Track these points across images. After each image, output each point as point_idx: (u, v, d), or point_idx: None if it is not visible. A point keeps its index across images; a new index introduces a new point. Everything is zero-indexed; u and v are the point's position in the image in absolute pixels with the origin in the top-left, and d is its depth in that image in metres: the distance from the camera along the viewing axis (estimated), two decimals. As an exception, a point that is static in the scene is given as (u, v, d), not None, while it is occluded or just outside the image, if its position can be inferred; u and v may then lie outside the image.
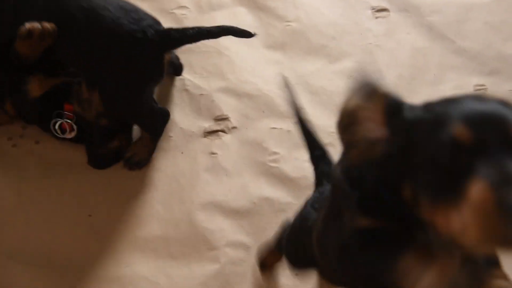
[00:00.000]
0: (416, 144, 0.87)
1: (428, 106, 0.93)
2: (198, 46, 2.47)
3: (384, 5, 2.65)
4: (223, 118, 2.28)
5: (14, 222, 1.98)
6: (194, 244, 1.99)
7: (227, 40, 2.51)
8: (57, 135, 2.04)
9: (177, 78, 2.38)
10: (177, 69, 2.38)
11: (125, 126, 2.15)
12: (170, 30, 1.98)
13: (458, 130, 0.83)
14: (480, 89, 2.39)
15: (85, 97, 1.96)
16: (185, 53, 2.44)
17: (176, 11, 2.59)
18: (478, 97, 0.90)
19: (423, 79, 2.43)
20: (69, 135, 2.05)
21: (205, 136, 2.24)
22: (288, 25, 2.59)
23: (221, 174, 2.14)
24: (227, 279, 1.92)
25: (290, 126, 2.26)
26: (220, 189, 2.11)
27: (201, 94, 2.34)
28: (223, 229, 2.01)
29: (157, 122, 2.12)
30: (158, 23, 2.00)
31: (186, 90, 2.35)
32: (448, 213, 0.79)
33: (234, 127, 2.27)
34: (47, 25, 1.81)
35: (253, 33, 2.06)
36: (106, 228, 2.00)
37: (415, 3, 2.63)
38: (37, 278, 1.90)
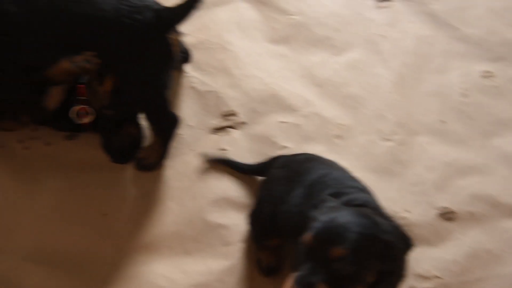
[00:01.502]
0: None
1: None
2: (202, 42, 2.49)
3: (386, -6, 2.66)
4: (231, 114, 2.29)
5: (28, 223, 1.99)
6: (209, 240, 2.00)
7: (231, 36, 2.53)
8: (76, 122, 2.06)
9: (184, 75, 2.38)
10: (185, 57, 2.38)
11: (131, 115, 2.15)
12: (161, 9, 1.93)
13: (307, 236, 1.38)
14: (486, 76, 2.40)
15: (95, 89, 2.02)
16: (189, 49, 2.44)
17: (178, 8, 2.59)
18: (350, 214, 1.40)
19: (428, 68, 2.43)
20: (87, 119, 2.06)
21: (214, 133, 2.25)
22: (291, 18, 2.59)
23: (231, 169, 2.15)
24: (243, 274, 1.93)
25: (299, 120, 2.27)
26: (232, 184, 2.12)
27: (208, 91, 2.35)
28: (237, 224, 2.02)
29: (166, 121, 2.11)
30: (157, 4, 1.95)
31: (193, 88, 2.35)
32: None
33: (242, 122, 2.28)
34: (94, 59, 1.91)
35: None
36: (120, 227, 2.02)
37: (417, -8, 2.64)
38: (52, 278, 1.91)
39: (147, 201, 2.07)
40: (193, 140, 2.22)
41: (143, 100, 2.04)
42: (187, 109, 2.30)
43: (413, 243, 1.54)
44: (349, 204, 1.49)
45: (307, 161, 1.83)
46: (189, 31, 2.50)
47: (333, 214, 1.40)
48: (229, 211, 2.06)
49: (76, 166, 2.12)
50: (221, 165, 2.14)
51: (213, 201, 2.08)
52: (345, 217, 1.38)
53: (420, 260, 1.96)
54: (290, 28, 2.57)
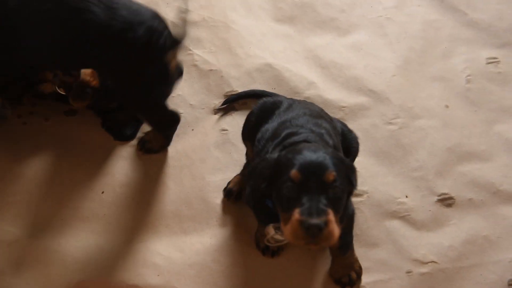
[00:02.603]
0: (275, 179, 1.48)
1: (285, 154, 1.51)
2: (206, 20, 2.46)
3: (394, -24, 2.61)
4: (233, 94, 2.27)
5: (29, 198, 1.99)
6: (207, 220, 2.00)
7: (235, 14, 2.50)
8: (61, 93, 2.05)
9: (185, 53, 2.35)
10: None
11: None
12: (154, 28, 1.79)
13: (293, 173, 1.44)
14: (492, 62, 2.37)
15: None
16: (192, 27, 2.42)
17: (183, -16, 2.55)
18: (312, 149, 1.49)
19: (434, 52, 2.40)
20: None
21: (215, 113, 2.23)
22: (297, -2, 2.56)
23: (232, 151, 2.14)
24: (241, 255, 1.93)
25: (300, 101, 2.25)
26: (231, 165, 2.11)
27: (210, 70, 2.33)
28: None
29: (166, 123, 2.06)
30: (154, 18, 1.81)
31: (195, 66, 2.34)
32: (285, 221, 1.45)
33: (244, 103, 2.26)
34: None
35: None
36: (118, 205, 2.02)
37: (425, -26, 2.59)
38: (47, 250, 1.92)
39: (146, 180, 2.07)
40: (193, 120, 2.21)
41: (138, 109, 2.02)
42: (189, 87, 2.29)
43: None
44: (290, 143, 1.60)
45: (296, 102, 1.90)
46: (193, 8, 2.49)
47: (297, 152, 1.49)
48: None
49: (74, 143, 2.11)
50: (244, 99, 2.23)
51: (212, 181, 2.07)
52: (312, 150, 1.48)
53: (417, 245, 1.96)
54: (296, 8, 2.53)
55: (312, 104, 1.96)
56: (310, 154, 1.46)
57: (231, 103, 2.24)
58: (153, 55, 1.80)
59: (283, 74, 2.33)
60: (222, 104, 2.23)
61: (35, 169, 2.04)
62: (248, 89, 2.27)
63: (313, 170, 1.43)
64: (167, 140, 2.12)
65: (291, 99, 1.96)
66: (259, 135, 1.78)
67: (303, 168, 1.43)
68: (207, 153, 2.13)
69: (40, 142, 2.09)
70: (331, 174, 1.43)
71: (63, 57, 1.79)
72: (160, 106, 1.97)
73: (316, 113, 1.82)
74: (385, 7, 2.53)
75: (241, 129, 2.15)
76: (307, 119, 1.74)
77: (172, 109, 2.02)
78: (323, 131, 1.70)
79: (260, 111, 1.88)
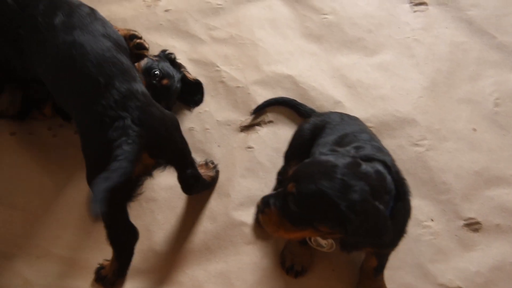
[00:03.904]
0: None
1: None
2: (233, 37, 2.48)
3: (422, -2, 2.62)
4: (260, 113, 2.27)
5: (54, 210, 2.01)
6: (231, 237, 2.00)
7: (262, 32, 2.51)
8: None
9: (213, 69, 2.37)
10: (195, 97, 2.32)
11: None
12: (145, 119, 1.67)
13: (291, 170, 1.59)
14: (521, 86, 2.36)
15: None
16: (220, 44, 2.44)
17: (212, 1, 2.58)
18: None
19: (461, 74, 2.39)
20: None
21: (241, 130, 2.24)
22: (324, 17, 2.57)
23: (257, 168, 2.14)
24: (264, 273, 1.93)
25: (327, 121, 2.25)
26: (256, 183, 2.11)
27: (237, 87, 2.34)
28: (260, 223, 2.01)
29: (121, 235, 1.83)
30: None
31: (222, 82, 2.35)
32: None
33: (270, 121, 2.27)
34: None
35: None
36: (143, 219, 2.02)
37: (454, -3, 2.59)
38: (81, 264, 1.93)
39: (172, 196, 2.08)
40: (219, 136, 2.22)
41: None
42: (216, 104, 2.30)
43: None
44: (366, 157, 1.60)
45: (345, 116, 1.98)
46: (221, 26, 2.51)
47: (327, 157, 1.55)
48: (252, 209, 2.05)
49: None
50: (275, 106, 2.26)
51: (237, 199, 2.07)
52: (326, 165, 1.52)
53: (443, 269, 1.94)
54: (323, 27, 2.54)
55: (358, 119, 2.01)
56: (316, 164, 1.54)
57: (262, 109, 2.27)
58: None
59: (309, 92, 2.34)
60: (254, 112, 2.26)
61: (63, 182, 2.06)
62: (276, 107, 2.28)
63: (294, 176, 1.54)
64: (120, 266, 1.90)
65: (336, 112, 2.02)
66: (315, 149, 1.81)
67: (297, 170, 1.56)
68: (233, 171, 2.13)
69: (68, 154, 2.11)
70: (291, 187, 1.52)
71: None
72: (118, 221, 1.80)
73: (370, 131, 1.89)
74: (413, 28, 2.53)
75: (267, 147, 2.16)
76: (367, 136, 1.80)
77: (130, 224, 1.84)
78: (384, 150, 1.76)
79: (313, 127, 1.94)
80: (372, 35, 2.53)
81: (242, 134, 2.23)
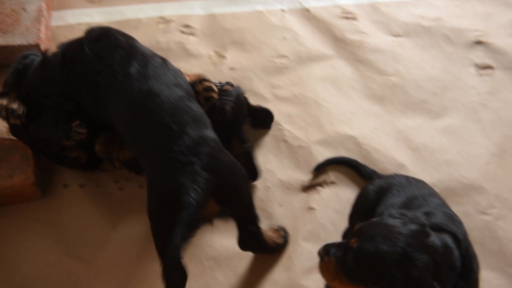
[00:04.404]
0: None
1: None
2: (297, 96, 2.50)
3: (488, 62, 2.59)
4: (322, 173, 2.26)
5: (117, 264, 2.02)
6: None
7: (326, 92, 2.53)
8: None
9: (276, 127, 2.39)
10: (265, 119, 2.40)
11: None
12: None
13: (356, 227, 1.58)
14: None
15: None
16: (284, 102, 2.46)
17: (276, 60, 2.63)
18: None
19: (531, 141, 2.33)
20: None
21: (303, 190, 2.23)
22: (388, 79, 2.57)
23: (319, 230, 2.11)
24: None
25: (391, 184, 2.21)
26: (319, 246, 2.04)
27: (300, 146, 2.34)
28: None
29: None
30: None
31: (285, 141, 2.36)
32: None
33: (332, 182, 2.25)
34: None
35: None
36: (205, 278, 2.01)
37: (522, 61, 2.55)
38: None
39: (233, 255, 2.05)
40: (281, 195, 2.21)
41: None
42: (278, 162, 2.30)
43: None
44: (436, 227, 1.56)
45: (416, 181, 1.91)
46: (284, 84, 2.54)
47: (395, 221, 1.52)
48: (317, 276, 1.99)
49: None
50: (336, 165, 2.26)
51: (298, 260, 2.03)
52: (391, 230, 1.50)
53: None
54: (386, 88, 2.54)
55: (424, 182, 1.95)
56: (378, 227, 1.52)
57: (324, 167, 2.26)
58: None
59: (372, 154, 2.32)
60: (315, 169, 2.25)
61: (128, 236, 2.08)
62: (338, 168, 2.27)
63: (357, 233, 1.55)
64: None
65: (402, 175, 1.98)
66: (382, 208, 1.78)
67: (360, 227, 1.56)
68: (294, 232, 2.10)
69: (133, 208, 2.14)
70: (353, 242, 1.53)
71: None
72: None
73: (440, 196, 1.83)
74: (479, 92, 2.50)
75: (329, 208, 2.14)
76: (438, 201, 1.75)
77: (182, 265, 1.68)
78: (456, 219, 1.71)
79: (378, 189, 1.90)
80: (437, 98, 2.50)
81: (304, 194, 2.22)
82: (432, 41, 2.70)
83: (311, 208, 2.17)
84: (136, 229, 2.09)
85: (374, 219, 1.59)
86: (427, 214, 1.65)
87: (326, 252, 1.59)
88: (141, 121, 1.81)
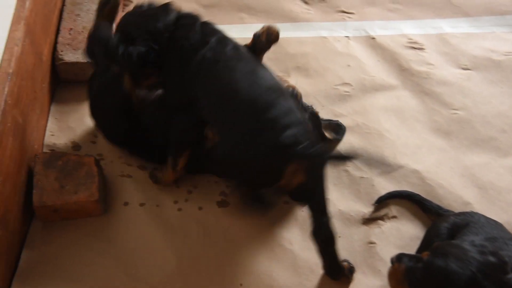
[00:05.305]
0: None
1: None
2: (359, 126, 2.46)
3: (562, 101, 2.49)
4: (383, 206, 2.21)
5: (173, 286, 2.01)
6: None
7: (389, 123, 2.48)
8: None
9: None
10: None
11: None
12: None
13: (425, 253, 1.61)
14: None
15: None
16: (346, 133, 2.42)
17: (339, 87, 2.60)
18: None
19: None
20: None
21: (363, 223, 2.17)
22: (454, 113, 2.50)
23: (379, 266, 2.05)
24: None
25: (456, 223, 2.13)
26: (378, 281, 2.01)
27: (361, 177, 2.29)
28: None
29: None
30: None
31: (346, 171, 2.31)
32: None
33: (393, 216, 2.19)
34: None
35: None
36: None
37: None
38: None
39: (284, 282, 2.02)
40: (341, 226, 2.15)
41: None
42: (338, 192, 2.26)
43: None
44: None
45: (495, 222, 1.90)
46: (347, 113, 2.51)
47: (473, 248, 1.53)
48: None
49: (223, 235, 2.12)
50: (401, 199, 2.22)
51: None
52: (466, 253, 1.49)
53: None
54: (452, 123, 2.47)
55: (502, 225, 1.91)
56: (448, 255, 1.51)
57: (385, 201, 2.21)
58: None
59: (437, 190, 2.25)
60: (376, 202, 2.20)
61: (185, 258, 2.07)
62: (401, 201, 2.21)
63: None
64: None
65: (479, 213, 1.95)
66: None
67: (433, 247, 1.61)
68: (354, 266, 2.05)
69: (192, 231, 2.13)
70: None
71: None
72: None
73: None
74: (551, 131, 2.40)
75: (389, 243, 2.09)
76: None
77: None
78: None
79: (452, 226, 1.88)
80: (506, 136, 2.42)
81: (364, 227, 2.16)
82: (502, 76, 2.63)
83: (371, 243, 2.12)
84: (192, 250, 2.08)
85: (454, 241, 1.62)
86: (510, 258, 1.58)
87: (398, 259, 1.64)
88: (243, 93, 1.87)
